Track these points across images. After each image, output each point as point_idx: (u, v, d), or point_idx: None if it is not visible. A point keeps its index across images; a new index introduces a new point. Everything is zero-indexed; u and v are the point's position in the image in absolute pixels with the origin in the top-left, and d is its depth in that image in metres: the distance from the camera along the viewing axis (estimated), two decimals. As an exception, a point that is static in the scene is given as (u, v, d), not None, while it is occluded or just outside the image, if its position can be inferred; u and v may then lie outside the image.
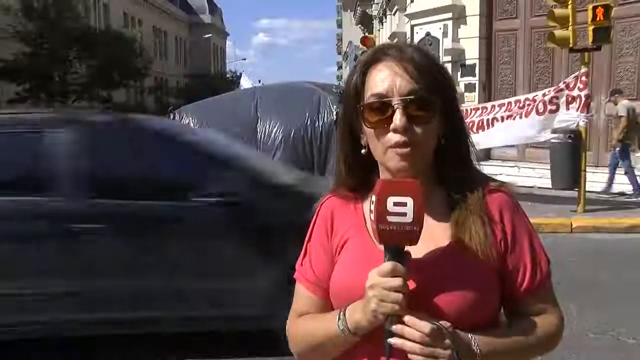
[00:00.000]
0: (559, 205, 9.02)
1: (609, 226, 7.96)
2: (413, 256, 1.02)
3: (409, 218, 0.95)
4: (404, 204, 0.95)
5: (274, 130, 12.58)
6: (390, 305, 0.96)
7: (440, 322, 0.98)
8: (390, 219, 0.95)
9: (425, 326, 0.97)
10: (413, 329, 0.97)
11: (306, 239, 1.22)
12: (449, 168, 1.13)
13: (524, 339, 1.08)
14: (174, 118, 13.24)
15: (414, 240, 0.97)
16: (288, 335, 1.20)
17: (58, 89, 27.98)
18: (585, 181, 8.75)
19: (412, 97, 1.04)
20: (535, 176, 10.75)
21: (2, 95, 26.50)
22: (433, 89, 1.06)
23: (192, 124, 13.05)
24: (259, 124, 12.81)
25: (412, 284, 1.00)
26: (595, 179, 9.94)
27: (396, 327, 0.98)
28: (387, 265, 0.97)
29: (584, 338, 4.04)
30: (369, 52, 1.14)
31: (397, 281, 0.96)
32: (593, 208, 8.83)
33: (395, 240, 0.97)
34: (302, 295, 1.19)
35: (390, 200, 0.95)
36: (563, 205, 9.02)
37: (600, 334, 4.14)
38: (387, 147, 1.06)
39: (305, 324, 1.16)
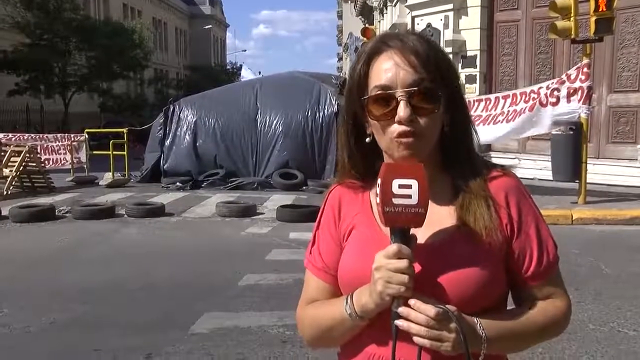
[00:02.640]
0: (559, 196, 9.02)
1: (610, 218, 7.96)
2: (419, 240, 1.03)
3: (414, 200, 0.96)
4: (409, 186, 0.96)
5: (274, 122, 12.57)
6: (396, 286, 0.97)
7: (446, 305, 0.99)
8: (396, 201, 0.96)
9: (431, 309, 0.97)
10: (418, 312, 0.98)
11: (315, 227, 1.23)
12: (453, 155, 1.13)
13: (530, 323, 1.08)
14: (174, 109, 13.26)
15: (419, 222, 0.98)
16: (297, 322, 1.22)
17: (57, 81, 27.92)
18: (586, 173, 8.74)
19: (415, 88, 1.04)
20: (536, 168, 10.73)
21: (1, 86, 26.44)
22: (436, 78, 1.06)
23: (191, 116, 13.06)
24: (259, 115, 12.80)
25: (417, 267, 1.01)
26: (596, 171, 9.93)
27: (402, 310, 0.98)
28: (393, 247, 0.98)
29: (585, 329, 4.04)
30: (371, 43, 1.14)
31: (403, 263, 0.97)
32: (594, 200, 8.83)
33: (400, 223, 0.98)
34: (312, 282, 1.21)
35: (396, 182, 0.96)
36: (564, 196, 9.01)
37: (601, 325, 4.14)
38: (391, 138, 1.06)
39: (313, 310, 1.17)
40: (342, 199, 1.19)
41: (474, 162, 1.14)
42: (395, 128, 1.05)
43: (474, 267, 1.03)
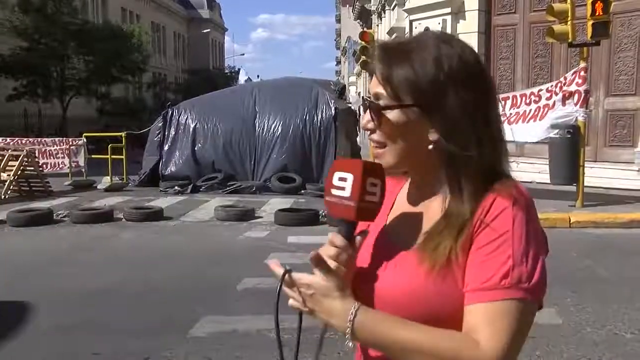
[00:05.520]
0: (557, 200, 9.04)
1: (608, 221, 7.98)
2: (388, 240, 1.05)
3: (347, 192, 0.99)
4: (345, 179, 0.99)
5: (273, 126, 12.59)
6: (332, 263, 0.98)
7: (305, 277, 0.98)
8: (333, 192, 1.00)
9: (304, 277, 0.97)
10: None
11: None
12: (450, 170, 1.01)
13: (423, 343, 0.90)
14: (172, 113, 13.26)
15: (351, 215, 0.98)
16: None
17: (56, 85, 27.91)
18: (583, 176, 8.77)
19: (369, 98, 1.05)
20: (533, 171, 10.75)
21: (-1, 90, 26.42)
22: (405, 92, 0.98)
23: (190, 120, 13.06)
24: (257, 119, 12.81)
25: (364, 262, 1.04)
26: (593, 174, 9.95)
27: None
28: (330, 235, 1.01)
29: (582, 332, 4.04)
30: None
31: (331, 250, 0.99)
32: (591, 203, 8.86)
33: (338, 214, 1.01)
34: None
35: (336, 175, 1.01)
36: (562, 200, 9.03)
37: (599, 328, 4.14)
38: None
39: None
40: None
41: (473, 180, 0.99)
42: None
43: (409, 279, 0.98)
